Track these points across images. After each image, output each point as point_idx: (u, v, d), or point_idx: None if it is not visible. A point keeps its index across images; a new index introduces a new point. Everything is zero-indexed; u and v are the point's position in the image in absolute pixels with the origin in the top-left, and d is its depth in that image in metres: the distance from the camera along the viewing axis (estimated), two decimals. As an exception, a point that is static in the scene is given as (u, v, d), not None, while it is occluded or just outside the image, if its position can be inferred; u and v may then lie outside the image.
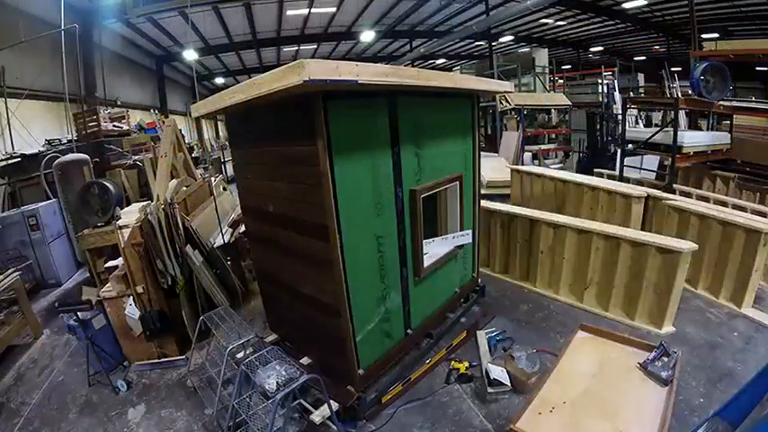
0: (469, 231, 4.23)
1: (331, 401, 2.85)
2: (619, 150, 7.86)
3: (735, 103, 7.90)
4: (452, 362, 3.73)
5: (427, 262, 3.69)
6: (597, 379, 2.67)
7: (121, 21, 12.44)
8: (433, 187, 3.62)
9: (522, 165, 13.00)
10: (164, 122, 11.25)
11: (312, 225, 2.84)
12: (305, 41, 18.94)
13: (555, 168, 13.19)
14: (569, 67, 23.49)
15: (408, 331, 3.63)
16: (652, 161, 8.14)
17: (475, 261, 4.71)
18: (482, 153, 4.62)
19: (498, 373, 3.33)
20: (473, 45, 23.91)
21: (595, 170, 8.49)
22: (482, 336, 4.09)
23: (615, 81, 15.00)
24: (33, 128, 8.82)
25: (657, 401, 2.42)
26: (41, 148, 7.96)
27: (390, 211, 3.21)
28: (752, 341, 3.86)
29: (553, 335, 4.18)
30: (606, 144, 10.56)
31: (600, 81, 16.29)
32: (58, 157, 6.85)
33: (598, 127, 10.77)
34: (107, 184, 5.82)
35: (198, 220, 5.33)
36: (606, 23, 18.73)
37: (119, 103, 13.86)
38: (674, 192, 6.08)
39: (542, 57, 17.38)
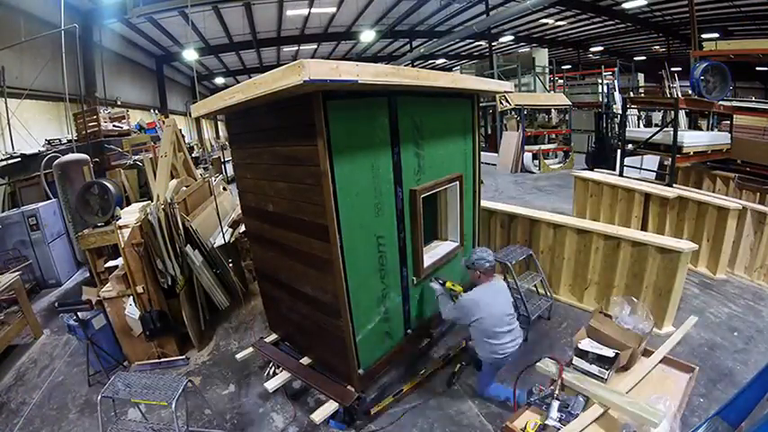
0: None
1: (331, 401, 2.85)
2: (619, 150, 7.84)
3: (735, 103, 7.89)
4: (453, 362, 3.72)
5: (427, 262, 3.69)
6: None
7: (121, 21, 12.48)
8: (433, 187, 3.61)
9: (523, 164, 13.09)
10: (164, 122, 11.23)
11: (312, 225, 2.83)
12: (305, 41, 18.96)
13: (555, 167, 13.29)
14: (569, 67, 23.51)
15: (408, 331, 3.63)
16: (652, 161, 8.12)
17: (475, 261, 4.70)
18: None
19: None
20: (473, 45, 23.94)
21: (595, 170, 8.48)
22: (482, 336, 4.08)
23: (615, 81, 15.02)
24: (33, 128, 8.83)
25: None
26: (41, 148, 7.95)
27: (390, 211, 3.21)
28: (752, 341, 3.86)
29: (553, 334, 4.18)
30: (610, 141, 12.13)
31: (600, 81, 16.32)
32: (58, 157, 6.84)
33: (604, 125, 12.68)
34: (107, 184, 5.81)
35: (198, 220, 5.33)
36: (606, 23, 18.76)
37: (119, 103, 13.88)
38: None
39: (542, 57, 17.42)
